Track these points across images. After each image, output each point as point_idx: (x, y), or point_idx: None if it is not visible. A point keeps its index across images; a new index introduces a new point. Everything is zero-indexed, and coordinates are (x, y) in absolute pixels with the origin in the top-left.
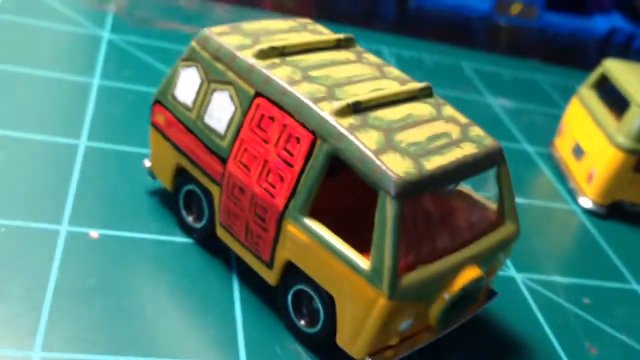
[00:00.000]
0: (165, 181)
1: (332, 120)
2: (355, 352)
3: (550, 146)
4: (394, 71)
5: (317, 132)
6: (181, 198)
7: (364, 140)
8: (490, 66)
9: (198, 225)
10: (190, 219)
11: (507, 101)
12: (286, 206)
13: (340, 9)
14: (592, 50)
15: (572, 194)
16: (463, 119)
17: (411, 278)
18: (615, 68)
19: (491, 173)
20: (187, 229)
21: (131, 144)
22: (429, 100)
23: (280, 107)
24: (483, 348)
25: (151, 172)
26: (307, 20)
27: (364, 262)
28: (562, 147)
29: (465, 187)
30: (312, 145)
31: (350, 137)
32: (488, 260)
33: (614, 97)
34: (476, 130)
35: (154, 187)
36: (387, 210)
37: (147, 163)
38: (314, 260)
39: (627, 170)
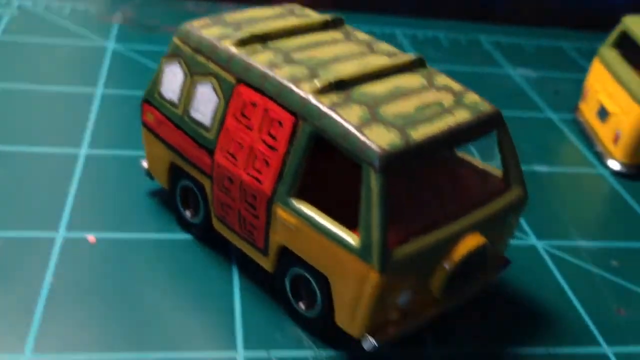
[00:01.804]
0: (161, 180)
1: (312, 99)
2: (355, 331)
3: (575, 112)
4: (385, 47)
5: (298, 114)
6: (177, 194)
7: (346, 116)
8: (511, 38)
9: (196, 221)
10: (187, 214)
11: (530, 71)
12: (274, 191)
13: None
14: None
15: (600, 158)
16: (457, 87)
17: (403, 250)
18: (635, 24)
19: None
20: (185, 226)
21: (133, 148)
22: (421, 71)
23: (262, 93)
24: (501, 319)
25: (148, 173)
26: (294, 5)
27: (353, 239)
28: (587, 111)
29: (466, 154)
30: (295, 127)
31: (332, 114)
32: (493, 227)
33: (636, 54)
34: (472, 97)
35: (153, 188)
36: (372, 184)
37: (144, 163)
38: (305, 241)
39: None
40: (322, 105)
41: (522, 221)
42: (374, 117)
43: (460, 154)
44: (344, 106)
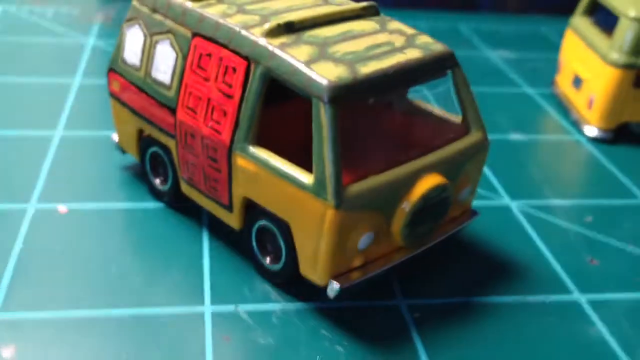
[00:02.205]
0: (131, 150)
1: (263, 41)
2: (318, 278)
3: (552, 85)
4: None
5: (250, 57)
6: (147, 162)
7: (295, 55)
8: (491, 25)
9: (166, 188)
10: (157, 182)
11: (508, 52)
12: (232, 140)
13: None
14: None
15: (576, 126)
16: (410, 30)
17: (359, 186)
18: None
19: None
20: (157, 194)
21: (106, 129)
22: (374, 18)
23: (215, 42)
24: (472, 271)
25: (119, 146)
26: None
27: (307, 177)
28: (563, 82)
29: (426, 103)
30: (248, 71)
31: (280, 53)
32: (453, 170)
33: (606, 19)
34: (424, 38)
35: (126, 162)
36: (322, 117)
37: (115, 137)
38: (264, 188)
39: (627, 87)
40: (271, 46)
41: (496, 183)
42: (322, 55)
43: (421, 102)
44: (293, 46)
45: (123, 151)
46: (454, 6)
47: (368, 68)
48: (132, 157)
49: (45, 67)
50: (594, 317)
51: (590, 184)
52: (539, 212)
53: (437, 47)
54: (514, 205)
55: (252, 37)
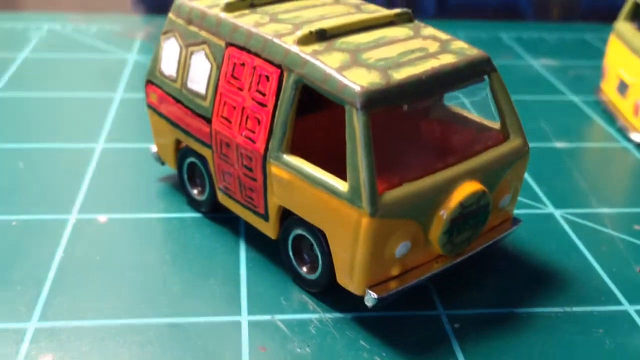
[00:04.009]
0: (169, 161)
1: (295, 49)
2: (355, 287)
3: (597, 92)
4: (373, 7)
5: (282, 65)
6: (184, 172)
7: (327, 61)
8: (532, 33)
9: (203, 198)
10: (195, 192)
11: (551, 61)
12: (267, 148)
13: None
14: None
15: (622, 132)
16: (444, 36)
17: (395, 193)
18: None
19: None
20: (194, 204)
21: (146, 141)
22: (408, 24)
23: (248, 51)
24: (515, 281)
25: (157, 157)
26: None
27: (342, 185)
28: (607, 88)
29: (463, 110)
30: (280, 79)
31: (312, 60)
32: (492, 176)
33: None
34: (459, 44)
35: (164, 173)
36: (355, 124)
37: (153, 148)
38: (298, 196)
39: None
40: (303, 53)
41: (539, 191)
42: (355, 61)
43: (458, 109)
44: (325, 53)
45: (162, 162)
46: (496, 17)
47: (401, 74)
48: (170, 168)
49: (87, 82)
50: None
51: (638, 191)
52: (584, 220)
53: (473, 52)
54: (558, 214)
55: (285, 45)
